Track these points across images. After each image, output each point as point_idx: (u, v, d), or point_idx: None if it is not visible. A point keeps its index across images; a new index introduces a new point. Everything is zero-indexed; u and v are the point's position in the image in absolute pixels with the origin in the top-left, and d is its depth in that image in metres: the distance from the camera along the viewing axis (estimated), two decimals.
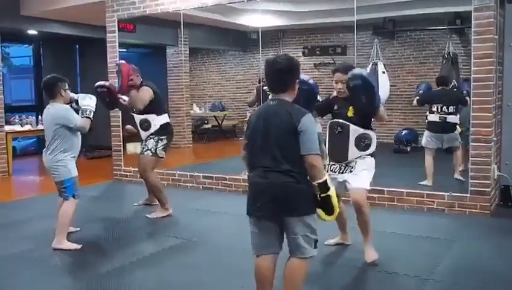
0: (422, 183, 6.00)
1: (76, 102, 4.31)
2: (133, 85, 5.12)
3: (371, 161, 3.77)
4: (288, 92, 2.70)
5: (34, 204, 6.08)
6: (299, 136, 2.56)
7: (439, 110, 6.21)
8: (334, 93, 3.89)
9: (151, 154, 5.11)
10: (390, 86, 9.62)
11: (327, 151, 3.88)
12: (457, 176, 6.25)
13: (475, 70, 5.01)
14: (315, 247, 2.68)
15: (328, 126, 3.89)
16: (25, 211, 5.69)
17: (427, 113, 6.42)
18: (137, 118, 5.14)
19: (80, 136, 4.36)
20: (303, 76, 3.12)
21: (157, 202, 5.35)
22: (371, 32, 10.19)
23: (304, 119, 2.58)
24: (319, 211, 2.64)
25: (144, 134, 5.17)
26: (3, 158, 7.88)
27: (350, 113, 3.72)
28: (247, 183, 2.82)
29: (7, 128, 8.07)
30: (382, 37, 10.35)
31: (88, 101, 4.27)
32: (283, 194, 2.59)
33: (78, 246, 4.24)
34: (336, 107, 3.85)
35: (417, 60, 10.54)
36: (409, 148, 9.14)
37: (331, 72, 3.94)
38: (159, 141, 5.13)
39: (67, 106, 4.31)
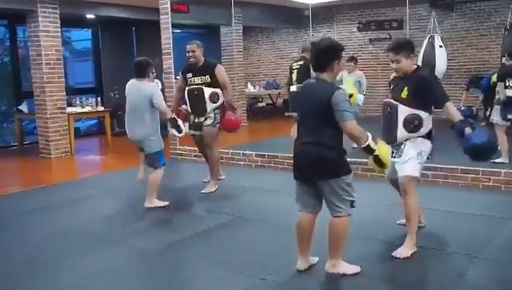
0: (496, 161, 5.56)
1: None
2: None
3: (422, 141, 3.52)
4: (327, 71, 3.07)
5: (95, 182, 6.39)
6: (333, 109, 2.94)
7: None
8: (394, 74, 3.72)
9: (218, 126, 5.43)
10: (449, 60, 9.29)
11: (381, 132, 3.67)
12: None
13: None
14: (352, 206, 3.07)
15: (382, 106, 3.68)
16: (87, 188, 5.97)
17: (501, 89, 5.95)
18: (207, 90, 5.32)
19: None
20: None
21: (221, 177, 5.73)
22: (428, 5, 9.86)
23: (336, 94, 2.95)
24: (372, 163, 3.18)
25: (211, 106, 5.35)
26: (66, 138, 8.25)
27: (404, 94, 3.47)
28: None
29: (69, 110, 8.42)
30: (440, 9, 9.98)
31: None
32: (314, 161, 3.03)
33: (166, 203, 4.89)
34: (391, 86, 3.68)
35: (477, 32, 10.11)
36: None
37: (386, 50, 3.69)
38: None
39: (155, 85, 4.87)
